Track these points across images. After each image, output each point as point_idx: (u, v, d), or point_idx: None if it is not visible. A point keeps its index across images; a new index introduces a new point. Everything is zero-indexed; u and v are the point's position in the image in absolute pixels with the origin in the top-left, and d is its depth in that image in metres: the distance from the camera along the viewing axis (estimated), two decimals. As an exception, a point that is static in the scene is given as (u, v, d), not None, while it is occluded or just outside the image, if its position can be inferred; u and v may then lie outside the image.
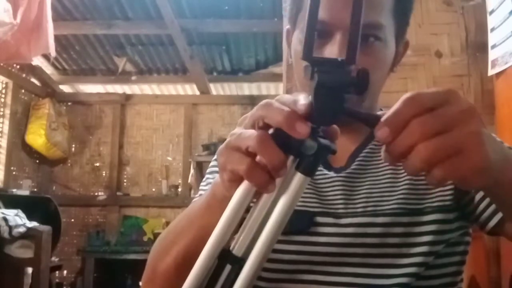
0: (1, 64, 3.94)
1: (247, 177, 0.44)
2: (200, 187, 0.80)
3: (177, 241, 0.62)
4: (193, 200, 0.74)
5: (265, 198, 0.46)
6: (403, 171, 0.70)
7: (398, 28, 0.70)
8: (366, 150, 0.73)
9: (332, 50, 0.65)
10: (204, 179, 0.81)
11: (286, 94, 0.45)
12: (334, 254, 0.65)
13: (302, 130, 0.41)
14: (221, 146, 0.49)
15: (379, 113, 0.41)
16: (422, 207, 0.67)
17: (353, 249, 0.65)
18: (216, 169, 0.81)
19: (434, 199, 0.67)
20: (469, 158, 0.37)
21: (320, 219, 0.68)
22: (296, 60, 0.73)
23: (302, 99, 0.42)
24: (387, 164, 0.71)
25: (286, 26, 0.79)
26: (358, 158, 0.73)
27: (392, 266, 0.64)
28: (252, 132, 0.44)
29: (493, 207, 0.64)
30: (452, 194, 0.67)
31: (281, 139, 0.42)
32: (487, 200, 0.65)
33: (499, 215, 0.63)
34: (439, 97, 0.39)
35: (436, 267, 0.66)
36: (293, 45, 0.74)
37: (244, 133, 0.45)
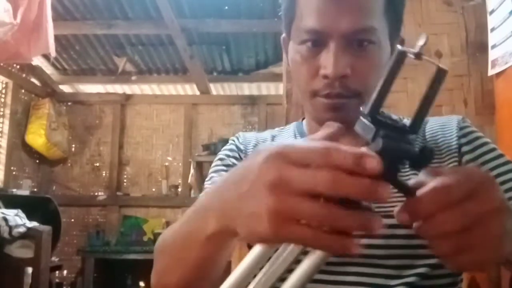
0: (1, 64, 3.94)
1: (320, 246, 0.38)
2: (206, 185, 0.80)
3: (177, 267, 0.56)
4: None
5: (290, 250, 0.41)
6: (408, 173, 0.70)
7: (391, 28, 0.71)
8: None
9: (326, 59, 0.66)
10: (208, 178, 0.81)
11: (324, 137, 0.40)
12: (340, 255, 0.65)
13: (386, 194, 0.36)
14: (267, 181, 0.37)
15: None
16: None
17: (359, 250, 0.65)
18: (222, 167, 0.80)
19: None
20: (481, 255, 0.38)
21: None
22: (295, 69, 0.74)
23: (372, 159, 0.35)
24: None
25: (283, 33, 0.80)
26: None
27: (397, 267, 0.65)
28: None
29: None
30: None
31: None
32: None
33: None
34: (470, 187, 0.38)
35: (439, 267, 0.66)
36: (290, 55, 0.74)
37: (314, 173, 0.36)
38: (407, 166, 0.38)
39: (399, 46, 0.40)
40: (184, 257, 0.54)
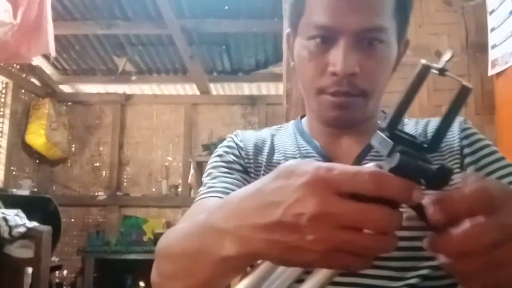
0: (1, 64, 3.94)
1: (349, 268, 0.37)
2: (204, 180, 0.77)
3: (182, 278, 0.53)
4: (200, 197, 0.73)
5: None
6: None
7: (399, 28, 0.70)
8: (372, 153, 0.73)
9: (336, 56, 0.65)
10: (206, 174, 0.79)
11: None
12: None
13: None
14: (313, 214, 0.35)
15: (380, 119, 0.40)
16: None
17: None
18: (222, 163, 0.78)
19: None
20: (505, 274, 0.36)
21: None
22: (301, 65, 0.72)
23: (419, 192, 0.36)
24: None
25: (287, 29, 0.78)
26: (365, 160, 0.72)
27: (400, 269, 0.64)
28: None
29: None
30: None
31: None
32: None
33: None
34: (506, 198, 0.36)
35: (439, 268, 0.66)
36: (297, 50, 0.73)
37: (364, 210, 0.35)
38: (423, 185, 0.37)
39: (423, 61, 0.38)
40: (192, 272, 0.50)
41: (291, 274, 0.40)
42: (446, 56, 0.38)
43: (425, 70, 0.38)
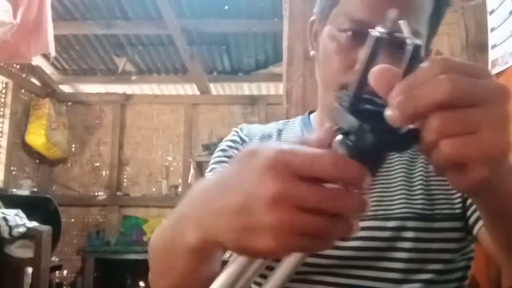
0: (1, 64, 3.94)
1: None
2: (208, 176, 0.76)
3: (165, 275, 0.52)
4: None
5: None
6: (416, 175, 0.69)
7: (428, 36, 0.69)
8: None
9: None
10: (209, 169, 0.77)
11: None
12: (343, 258, 0.65)
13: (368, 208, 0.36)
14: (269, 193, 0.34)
15: None
16: (432, 213, 0.66)
17: (362, 252, 0.64)
18: (224, 159, 0.76)
19: (444, 206, 0.66)
20: (485, 140, 0.32)
21: None
22: (325, 56, 0.70)
23: (367, 177, 0.35)
24: (399, 167, 0.71)
25: (312, 17, 0.76)
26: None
27: (404, 271, 0.64)
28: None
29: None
30: (460, 202, 0.66)
31: None
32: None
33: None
34: (474, 69, 0.34)
35: (443, 273, 0.65)
36: (324, 40, 0.70)
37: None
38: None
39: (374, 33, 0.35)
40: (171, 266, 0.49)
41: (259, 269, 0.39)
42: (391, 14, 0.36)
43: (378, 40, 0.36)
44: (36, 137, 4.30)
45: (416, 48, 0.34)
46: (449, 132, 0.32)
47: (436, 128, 0.32)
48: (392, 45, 0.36)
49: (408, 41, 0.35)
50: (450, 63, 0.33)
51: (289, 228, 0.33)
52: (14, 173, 4.26)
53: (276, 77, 4.15)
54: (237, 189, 0.36)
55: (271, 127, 0.84)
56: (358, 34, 0.64)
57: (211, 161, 0.78)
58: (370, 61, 0.36)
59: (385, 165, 0.71)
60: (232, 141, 0.80)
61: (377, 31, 0.35)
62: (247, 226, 0.35)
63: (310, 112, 0.85)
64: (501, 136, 0.32)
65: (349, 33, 0.65)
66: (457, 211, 0.66)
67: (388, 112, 0.33)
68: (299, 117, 0.86)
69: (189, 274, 0.47)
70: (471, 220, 0.65)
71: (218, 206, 0.38)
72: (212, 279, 0.40)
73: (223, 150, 0.78)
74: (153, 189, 4.82)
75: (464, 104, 0.32)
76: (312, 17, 0.76)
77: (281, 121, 0.87)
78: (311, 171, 0.34)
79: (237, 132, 0.82)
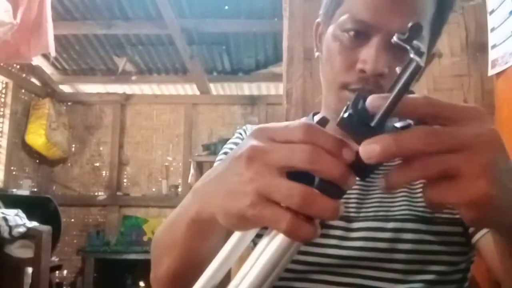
0: (1, 64, 3.94)
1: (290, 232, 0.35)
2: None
3: (165, 256, 0.56)
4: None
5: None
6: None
7: (431, 38, 0.69)
8: None
9: (368, 53, 0.63)
10: (217, 158, 0.78)
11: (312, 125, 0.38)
12: (344, 257, 0.65)
13: (352, 184, 0.36)
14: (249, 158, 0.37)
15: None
16: (433, 216, 0.66)
17: (363, 253, 0.65)
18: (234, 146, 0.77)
19: (444, 211, 0.67)
20: (464, 187, 0.33)
21: (331, 222, 0.67)
22: (328, 56, 0.70)
23: (350, 151, 0.36)
24: None
25: (317, 19, 0.77)
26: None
27: (404, 271, 0.64)
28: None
29: None
30: None
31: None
32: None
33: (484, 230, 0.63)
34: (458, 111, 0.35)
35: (444, 274, 0.66)
36: (328, 40, 0.71)
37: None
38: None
39: (416, 58, 0.36)
40: (170, 246, 0.53)
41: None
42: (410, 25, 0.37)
43: (418, 69, 0.36)
44: (36, 137, 4.30)
45: (417, 68, 0.35)
46: (427, 175, 0.34)
47: (416, 168, 0.34)
48: (398, 46, 0.38)
49: (412, 56, 0.35)
50: (433, 109, 0.35)
51: (263, 186, 0.35)
52: (14, 173, 4.26)
53: (276, 77, 4.16)
54: (225, 159, 0.41)
55: None
56: (360, 34, 0.65)
57: (215, 164, 0.79)
58: (406, 85, 0.35)
59: (387, 167, 0.70)
60: (235, 143, 0.80)
61: (412, 55, 0.36)
62: (228, 189, 0.38)
63: (314, 114, 0.85)
64: (481, 181, 0.33)
65: (352, 33, 0.66)
66: (457, 216, 0.66)
67: (367, 147, 0.34)
68: (303, 119, 0.86)
69: (189, 246, 0.50)
70: (471, 229, 0.66)
71: (213, 176, 0.43)
72: (210, 259, 0.43)
73: (226, 154, 0.80)
74: (153, 189, 4.82)
75: (443, 151, 0.33)
76: (318, 19, 0.77)
77: (285, 123, 0.87)
78: (285, 133, 0.37)
79: (240, 133, 0.83)
